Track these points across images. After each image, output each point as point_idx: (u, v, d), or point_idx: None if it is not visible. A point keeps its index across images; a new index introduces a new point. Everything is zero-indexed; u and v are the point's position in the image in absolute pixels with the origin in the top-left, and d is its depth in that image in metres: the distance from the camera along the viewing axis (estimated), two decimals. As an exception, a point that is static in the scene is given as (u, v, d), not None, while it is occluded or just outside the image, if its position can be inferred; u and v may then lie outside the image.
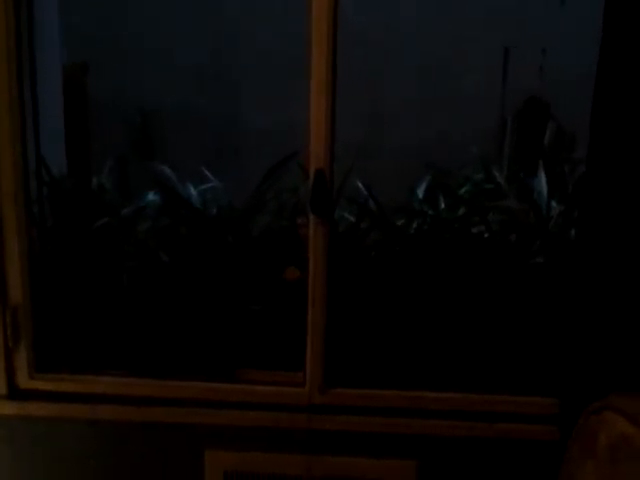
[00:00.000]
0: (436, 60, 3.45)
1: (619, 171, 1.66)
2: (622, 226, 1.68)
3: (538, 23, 3.28)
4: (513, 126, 3.25)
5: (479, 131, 3.32)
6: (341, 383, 1.91)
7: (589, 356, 1.72)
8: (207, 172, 2.47)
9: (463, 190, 2.40)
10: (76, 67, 2.75)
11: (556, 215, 2.17)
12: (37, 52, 1.97)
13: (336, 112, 1.79)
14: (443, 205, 2.29)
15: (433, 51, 3.44)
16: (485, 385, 1.92)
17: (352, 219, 2.24)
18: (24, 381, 1.92)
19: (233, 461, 1.90)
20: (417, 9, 3.45)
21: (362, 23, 3.20)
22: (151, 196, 2.37)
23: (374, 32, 3.38)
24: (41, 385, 1.92)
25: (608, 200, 1.67)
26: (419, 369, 1.98)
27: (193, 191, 2.36)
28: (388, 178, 2.42)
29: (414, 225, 2.23)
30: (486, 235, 2.17)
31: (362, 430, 1.88)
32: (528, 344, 1.98)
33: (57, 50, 2.59)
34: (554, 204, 2.22)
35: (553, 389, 1.84)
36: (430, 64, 3.45)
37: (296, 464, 1.88)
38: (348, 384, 1.91)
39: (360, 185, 2.28)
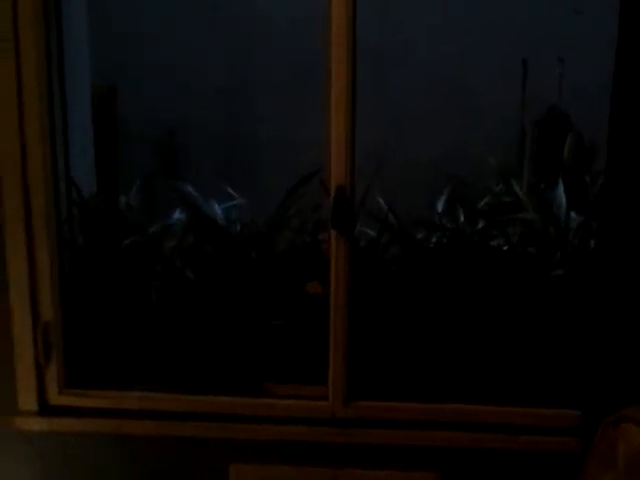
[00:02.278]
0: (455, 71, 3.46)
1: (638, 182, 1.66)
2: (642, 237, 1.67)
3: (556, 33, 3.28)
4: (533, 137, 3.23)
5: (499, 142, 3.32)
6: (364, 396, 1.91)
7: (610, 367, 1.71)
8: (231, 190, 2.51)
9: (482, 202, 2.41)
10: (105, 90, 2.82)
11: (576, 227, 2.17)
12: (67, 75, 2.02)
13: (356, 127, 1.79)
14: (462, 218, 2.30)
15: (452, 62, 3.46)
16: (507, 397, 1.91)
17: (372, 233, 2.25)
18: (54, 397, 1.93)
19: (258, 475, 1.91)
20: (436, 21, 3.47)
21: (381, 35, 3.24)
22: (177, 215, 2.41)
23: (393, 44, 3.40)
24: (71, 401, 1.93)
25: (627, 211, 1.67)
26: (441, 381, 1.99)
27: (217, 209, 2.41)
28: (407, 189, 2.44)
29: (434, 239, 2.24)
30: (505, 248, 2.17)
31: (385, 442, 1.89)
32: (549, 356, 1.98)
33: (87, 73, 2.66)
34: (574, 216, 2.22)
35: (576, 401, 1.84)
36: (450, 75, 3.46)
37: (320, 477, 1.89)
38: (371, 397, 1.92)
39: (381, 200, 2.30)
